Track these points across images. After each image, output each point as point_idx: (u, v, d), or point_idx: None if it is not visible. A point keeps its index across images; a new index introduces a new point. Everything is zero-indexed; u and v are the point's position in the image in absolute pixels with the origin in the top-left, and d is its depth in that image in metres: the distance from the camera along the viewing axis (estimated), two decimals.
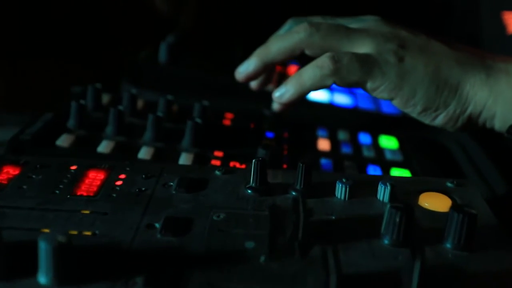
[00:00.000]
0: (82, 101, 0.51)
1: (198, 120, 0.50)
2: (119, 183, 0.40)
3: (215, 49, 0.73)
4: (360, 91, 0.71)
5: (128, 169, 0.42)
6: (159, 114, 0.51)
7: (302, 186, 0.39)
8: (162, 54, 0.68)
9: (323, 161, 0.52)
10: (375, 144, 0.58)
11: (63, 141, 0.48)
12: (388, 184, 0.39)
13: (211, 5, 0.76)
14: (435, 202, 0.39)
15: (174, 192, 0.39)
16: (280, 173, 0.42)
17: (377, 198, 0.40)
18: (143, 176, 0.41)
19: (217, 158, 0.50)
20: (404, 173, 0.52)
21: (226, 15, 0.78)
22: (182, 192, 0.39)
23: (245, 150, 0.51)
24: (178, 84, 0.66)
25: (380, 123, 0.64)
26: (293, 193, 0.39)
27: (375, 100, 0.69)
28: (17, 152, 0.47)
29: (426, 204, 0.39)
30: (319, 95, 0.68)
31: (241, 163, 0.49)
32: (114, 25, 0.76)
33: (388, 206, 0.34)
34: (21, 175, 0.40)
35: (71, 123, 0.51)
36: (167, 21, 0.74)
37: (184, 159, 0.48)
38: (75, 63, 0.74)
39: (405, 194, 0.40)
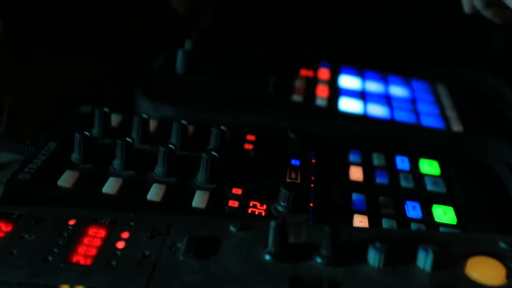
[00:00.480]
0: (86, 133, 0.46)
1: (215, 154, 0.45)
2: (120, 245, 0.35)
3: (237, 55, 0.67)
4: (396, 102, 0.64)
5: (132, 224, 0.37)
6: (171, 146, 0.46)
7: (328, 252, 0.34)
8: (179, 63, 0.62)
9: (355, 196, 0.47)
10: (414, 170, 0.52)
11: (66, 180, 0.44)
12: (430, 251, 0.33)
13: (233, 5, 0.70)
14: (485, 271, 0.33)
15: (181, 258, 0.34)
16: (304, 229, 0.37)
17: (417, 266, 0.34)
18: (148, 235, 0.36)
19: (235, 197, 0.44)
20: (448, 211, 0.46)
21: (247, 16, 0.72)
22: (190, 258, 0.34)
23: (267, 184, 0.46)
24: (197, 96, 0.61)
25: (420, 138, 0.58)
26: (318, 260, 0.34)
27: (414, 111, 0.63)
28: (15, 195, 0.43)
29: (475, 274, 0.33)
30: (352, 106, 0.62)
31: (261, 204, 0.44)
32: (125, 28, 0.71)
33: None
34: (13, 235, 0.36)
35: (75, 156, 0.46)
36: (184, 24, 0.68)
37: (199, 199, 0.43)
38: (86, 63, 0.69)
39: (450, 258, 0.35)
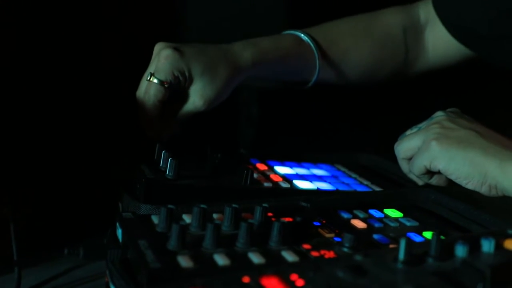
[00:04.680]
0: (183, 223, 0.54)
1: (284, 221, 0.57)
2: None
3: (201, 158, 0.79)
4: (327, 179, 0.83)
5: None
6: (252, 221, 0.56)
7: (438, 253, 0.49)
8: (169, 171, 0.72)
9: (376, 236, 0.63)
10: (388, 217, 0.70)
11: (187, 262, 0.51)
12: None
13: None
14: None
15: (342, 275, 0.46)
16: None
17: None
18: None
19: (310, 250, 0.57)
20: (429, 234, 0.65)
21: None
22: (352, 277, 0.46)
23: (317, 238, 0.60)
24: (189, 195, 0.71)
25: (373, 197, 0.77)
26: (431, 260, 0.49)
27: (343, 183, 0.82)
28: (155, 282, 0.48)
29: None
30: (306, 185, 0.78)
31: (329, 251, 0.57)
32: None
33: None
34: None
35: (172, 244, 0.53)
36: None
37: (288, 257, 0.55)
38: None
39: None
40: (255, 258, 0.54)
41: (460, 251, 0.51)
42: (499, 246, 0.52)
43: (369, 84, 0.97)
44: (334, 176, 0.85)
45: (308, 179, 0.81)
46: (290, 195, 0.75)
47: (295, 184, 0.78)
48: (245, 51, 0.83)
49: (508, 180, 0.66)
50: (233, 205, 0.61)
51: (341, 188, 0.80)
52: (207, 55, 0.82)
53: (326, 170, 0.88)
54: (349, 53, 0.93)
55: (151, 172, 0.73)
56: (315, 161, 0.92)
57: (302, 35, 0.88)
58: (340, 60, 0.92)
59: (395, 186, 0.84)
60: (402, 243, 0.49)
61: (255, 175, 0.79)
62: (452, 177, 0.70)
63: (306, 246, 0.58)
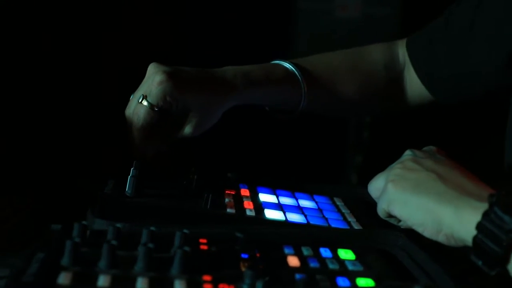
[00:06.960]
0: (77, 239, 0.55)
1: (187, 248, 0.56)
2: None
3: (174, 179, 0.79)
4: (307, 211, 0.79)
5: None
6: (150, 245, 0.55)
7: None
8: (129, 187, 0.73)
9: (298, 276, 0.58)
10: (336, 257, 0.65)
11: (64, 279, 0.51)
12: None
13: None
14: None
15: None
16: None
17: None
18: None
19: (207, 282, 0.54)
20: (368, 282, 0.59)
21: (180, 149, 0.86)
22: None
23: (229, 271, 0.57)
24: (146, 214, 0.71)
25: (331, 235, 0.72)
26: None
27: (323, 217, 0.78)
28: None
29: None
30: (275, 215, 0.75)
31: (229, 284, 0.54)
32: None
33: None
34: None
35: (65, 261, 0.54)
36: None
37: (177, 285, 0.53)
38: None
39: None
40: (141, 283, 0.53)
41: None
42: None
43: (355, 117, 0.98)
44: (319, 209, 0.81)
45: (285, 209, 0.78)
46: (252, 223, 0.73)
47: (263, 214, 0.75)
48: (236, 81, 0.84)
49: (465, 228, 0.58)
50: (151, 228, 0.60)
51: (315, 222, 0.75)
52: (200, 82, 0.83)
53: (316, 202, 0.84)
54: (336, 88, 0.93)
55: (114, 188, 0.75)
56: (312, 192, 0.88)
57: (291, 67, 0.89)
58: (327, 94, 0.92)
59: (382, 226, 0.77)
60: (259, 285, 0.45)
61: (226, 200, 0.77)
62: (409, 223, 0.64)
63: (207, 278, 0.55)
